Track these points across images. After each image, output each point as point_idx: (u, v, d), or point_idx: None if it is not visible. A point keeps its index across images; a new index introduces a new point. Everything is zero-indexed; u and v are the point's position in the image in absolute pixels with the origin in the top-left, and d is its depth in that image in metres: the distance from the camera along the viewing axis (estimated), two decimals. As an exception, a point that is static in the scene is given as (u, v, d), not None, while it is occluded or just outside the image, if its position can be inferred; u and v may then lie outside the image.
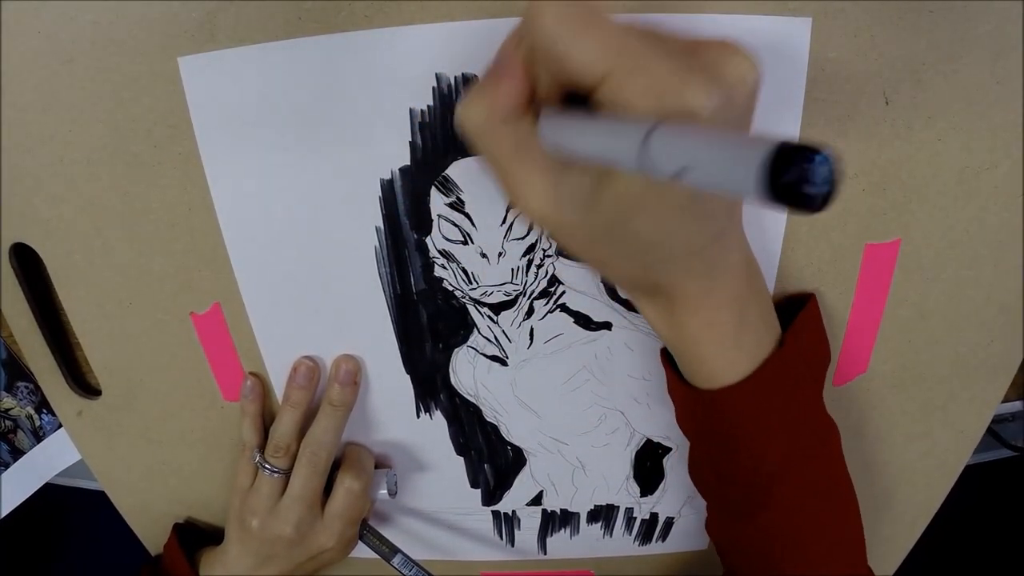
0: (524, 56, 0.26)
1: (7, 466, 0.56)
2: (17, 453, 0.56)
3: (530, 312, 0.43)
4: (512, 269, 0.41)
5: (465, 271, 0.41)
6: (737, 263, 0.32)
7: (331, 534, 0.46)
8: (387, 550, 0.48)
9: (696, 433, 0.38)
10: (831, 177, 0.16)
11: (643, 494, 0.51)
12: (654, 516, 0.53)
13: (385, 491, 0.49)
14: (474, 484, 0.51)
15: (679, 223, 0.28)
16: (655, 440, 0.48)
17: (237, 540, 0.47)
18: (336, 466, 0.47)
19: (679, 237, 0.28)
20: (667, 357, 0.37)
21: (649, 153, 0.21)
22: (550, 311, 0.43)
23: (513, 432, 0.48)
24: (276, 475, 0.45)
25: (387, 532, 0.50)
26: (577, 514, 0.53)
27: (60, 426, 0.53)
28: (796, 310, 0.37)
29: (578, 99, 0.26)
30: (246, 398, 0.46)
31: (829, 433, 0.37)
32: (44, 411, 0.53)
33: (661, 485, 0.51)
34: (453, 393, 0.46)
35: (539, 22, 0.25)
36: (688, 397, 0.35)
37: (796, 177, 0.16)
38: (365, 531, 0.49)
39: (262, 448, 0.46)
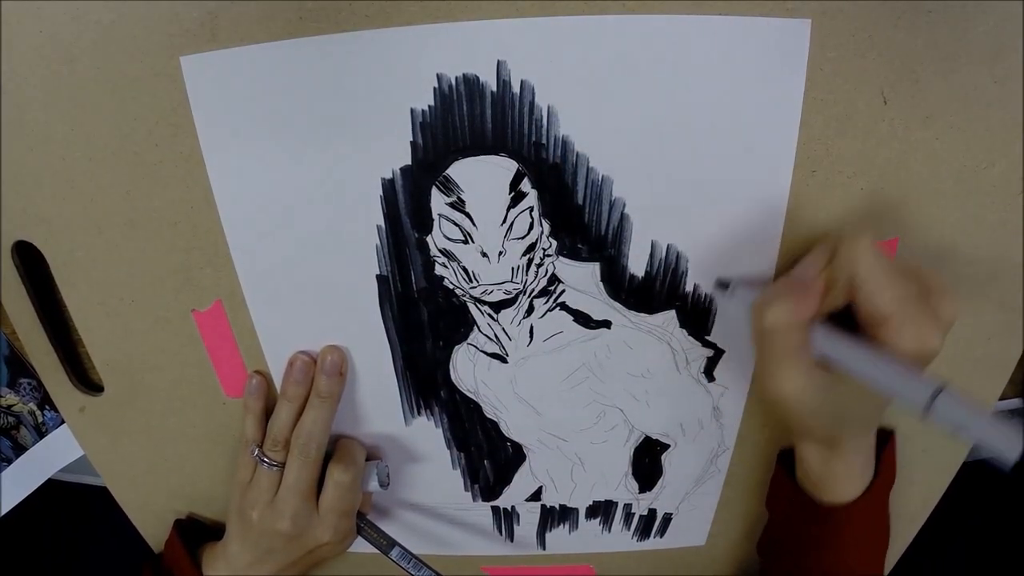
0: (825, 277, 0.35)
1: (10, 462, 0.56)
2: (20, 449, 0.56)
3: (530, 310, 0.43)
4: (512, 268, 0.41)
5: (466, 270, 0.41)
6: (877, 422, 0.42)
7: (326, 527, 0.47)
8: (384, 543, 0.49)
9: (791, 525, 0.46)
10: None
11: (642, 490, 0.52)
12: (652, 512, 0.53)
13: (377, 483, 0.49)
14: (474, 480, 0.51)
15: (879, 410, 0.39)
16: (653, 437, 0.48)
17: (238, 534, 0.48)
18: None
19: (874, 416, 0.40)
20: (781, 469, 0.46)
21: (934, 407, 0.30)
22: (550, 309, 0.43)
23: (513, 428, 0.48)
24: (274, 468, 0.46)
25: (388, 527, 0.50)
26: (576, 510, 0.53)
27: (63, 422, 0.53)
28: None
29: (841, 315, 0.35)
30: (251, 396, 0.46)
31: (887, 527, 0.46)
32: (47, 407, 0.53)
33: (660, 482, 0.51)
34: (453, 390, 0.47)
35: (858, 264, 0.33)
36: (801, 505, 0.44)
37: None
38: (362, 525, 0.49)
39: (262, 443, 0.47)
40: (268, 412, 0.47)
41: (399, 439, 0.49)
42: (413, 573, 0.48)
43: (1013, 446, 0.27)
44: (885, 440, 0.45)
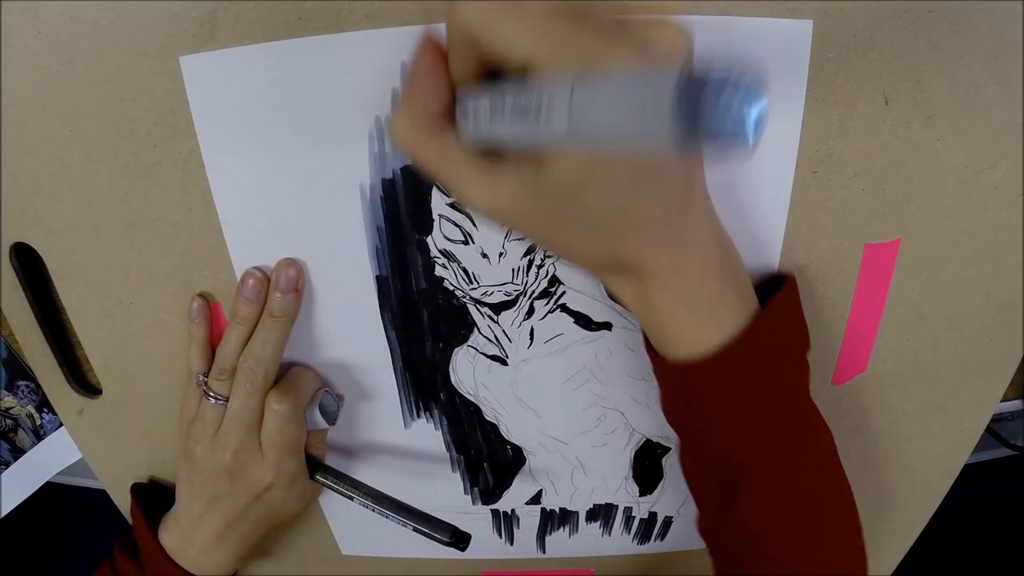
0: (440, 63, 0.28)
1: (8, 465, 0.56)
2: (18, 452, 0.56)
3: (530, 312, 0.43)
4: (513, 269, 0.41)
5: (466, 271, 0.41)
6: (707, 236, 0.32)
7: (268, 465, 0.43)
8: (346, 488, 0.45)
9: (677, 417, 0.38)
10: (746, 109, 0.15)
11: (642, 493, 0.51)
12: (653, 515, 0.53)
13: (319, 415, 0.44)
14: (473, 483, 0.51)
15: (630, 194, 0.28)
16: (654, 440, 0.48)
17: (185, 479, 0.45)
18: None
19: (634, 208, 0.29)
20: (650, 344, 0.37)
21: (573, 119, 0.19)
22: (550, 311, 0.43)
23: (513, 431, 0.48)
24: (219, 403, 0.42)
25: (387, 528, 0.50)
26: (576, 513, 0.53)
27: (61, 425, 0.53)
28: (775, 291, 0.36)
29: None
30: (193, 321, 0.43)
31: (811, 428, 0.37)
32: (45, 410, 0.53)
33: (660, 485, 0.51)
34: (453, 392, 0.46)
35: (462, 14, 0.25)
36: (667, 374, 0.35)
37: (709, 111, 0.15)
38: (316, 471, 0.45)
39: (207, 374, 0.44)
40: (216, 341, 0.44)
41: (399, 442, 0.49)
42: (388, 518, 0.45)
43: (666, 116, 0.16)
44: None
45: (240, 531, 0.46)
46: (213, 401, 0.43)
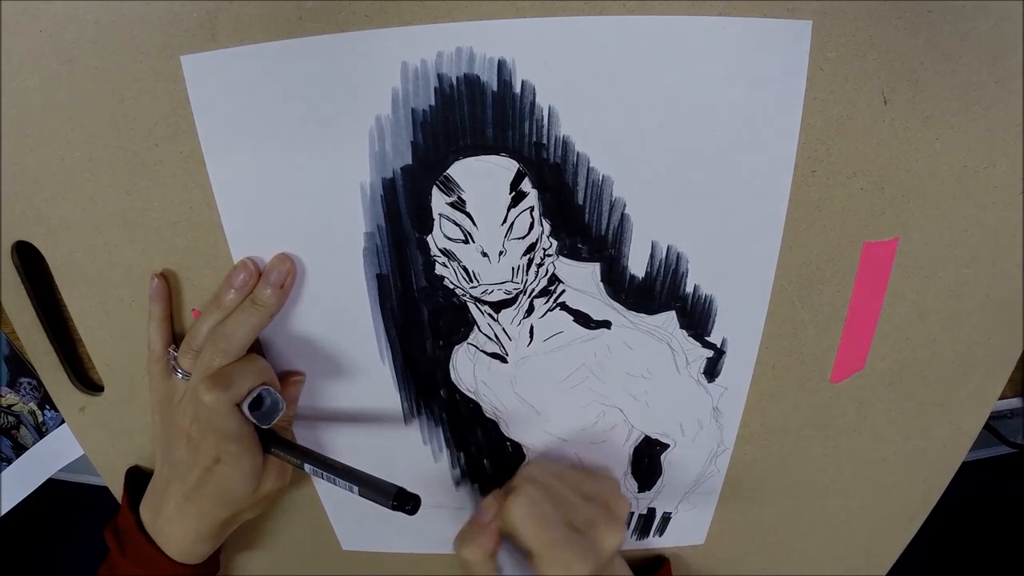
0: (500, 519, 0.43)
1: (10, 462, 0.56)
2: (20, 449, 0.56)
3: (530, 310, 0.43)
4: (513, 268, 0.41)
5: (466, 269, 0.41)
6: None
7: (211, 444, 0.42)
8: (296, 459, 0.44)
9: None
10: None
11: (641, 490, 0.52)
12: (651, 511, 0.53)
13: (250, 415, 0.41)
14: (473, 479, 0.51)
15: None
16: (653, 437, 0.48)
17: (158, 442, 0.46)
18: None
19: None
20: None
21: None
22: (550, 309, 0.43)
23: (512, 429, 0.48)
24: (185, 378, 0.43)
25: (386, 525, 0.49)
26: (576, 509, 0.53)
27: (63, 422, 0.53)
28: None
29: None
30: (151, 299, 0.43)
31: None
32: (47, 407, 0.54)
33: (659, 481, 0.51)
34: (453, 389, 0.47)
35: (509, 516, 0.42)
36: None
37: None
38: (273, 445, 0.44)
39: (176, 350, 0.44)
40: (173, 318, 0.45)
41: (399, 439, 0.49)
42: (336, 483, 0.43)
43: None
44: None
45: (198, 505, 0.45)
46: (180, 376, 0.43)
